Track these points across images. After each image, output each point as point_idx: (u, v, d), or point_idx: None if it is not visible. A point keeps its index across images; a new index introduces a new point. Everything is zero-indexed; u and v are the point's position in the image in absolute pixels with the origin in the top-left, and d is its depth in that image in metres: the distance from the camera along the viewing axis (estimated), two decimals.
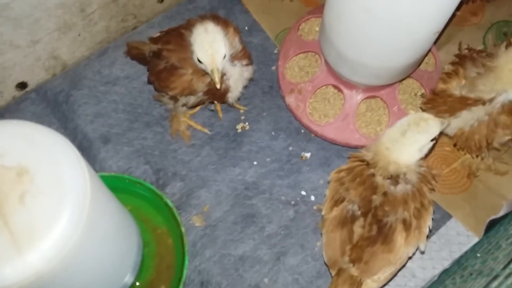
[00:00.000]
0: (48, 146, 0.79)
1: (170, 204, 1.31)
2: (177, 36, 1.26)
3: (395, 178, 1.09)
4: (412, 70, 1.36)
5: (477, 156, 1.36)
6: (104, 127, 1.46)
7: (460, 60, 1.26)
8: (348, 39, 1.22)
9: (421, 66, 1.47)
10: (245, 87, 1.36)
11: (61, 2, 1.36)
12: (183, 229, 1.29)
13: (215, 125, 1.49)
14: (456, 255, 1.32)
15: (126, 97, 1.50)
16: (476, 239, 1.33)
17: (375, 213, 1.09)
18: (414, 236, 1.09)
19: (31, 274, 0.71)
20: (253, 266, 1.32)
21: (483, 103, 1.16)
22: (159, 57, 1.28)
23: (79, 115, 1.47)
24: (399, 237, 1.07)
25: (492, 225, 1.33)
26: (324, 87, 1.48)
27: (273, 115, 1.51)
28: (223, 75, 1.22)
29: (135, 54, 1.42)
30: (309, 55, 1.53)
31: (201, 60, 1.15)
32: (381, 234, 1.07)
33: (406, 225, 1.08)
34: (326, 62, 1.41)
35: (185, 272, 1.24)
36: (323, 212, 1.17)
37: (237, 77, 1.28)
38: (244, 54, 1.28)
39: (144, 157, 1.43)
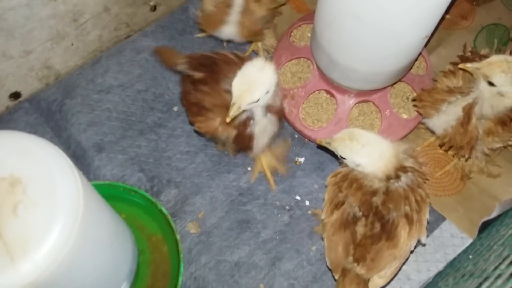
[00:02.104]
0: (41, 156, 0.80)
1: (165, 211, 1.31)
2: (214, 80, 1.20)
3: (394, 177, 1.09)
4: (403, 74, 1.37)
5: (463, 157, 1.36)
6: (98, 135, 1.46)
7: (461, 61, 1.26)
8: (338, 45, 1.23)
9: (412, 70, 1.48)
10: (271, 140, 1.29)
11: (54, 12, 1.37)
12: (178, 236, 1.29)
13: None
14: (451, 257, 1.33)
15: (119, 105, 1.51)
16: (470, 241, 1.34)
17: (376, 212, 1.09)
18: (415, 230, 1.09)
19: (24, 284, 0.71)
20: (249, 272, 1.32)
21: (462, 93, 1.20)
22: (194, 85, 1.24)
23: (73, 124, 1.47)
24: (403, 231, 1.08)
25: (485, 226, 1.34)
26: (316, 92, 1.49)
27: None
28: (250, 119, 1.16)
29: (165, 60, 1.36)
30: (302, 61, 1.54)
31: (232, 88, 1.06)
32: (385, 231, 1.08)
33: (409, 219, 1.08)
34: (318, 68, 1.42)
35: (180, 279, 1.24)
36: (322, 216, 1.17)
37: (262, 129, 1.21)
38: (280, 112, 1.22)
39: (138, 164, 1.43)
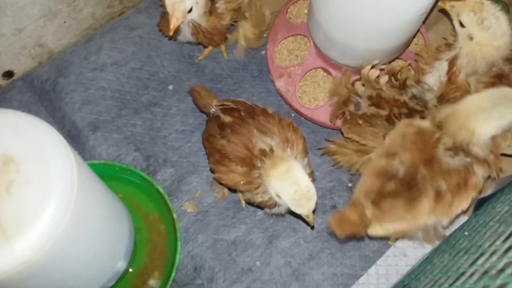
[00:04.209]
0: (34, 134, 0.79)
1: (161, 190, 1.31)
2: (245, 130, 1.13)
3: (458, 149, 1.05)
4: (401, 52, 1.35)
5: None
6: (92, 114, 1.45)
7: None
8: (335, 22, 1.21)
9: (410, 47, 1.47)
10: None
11: None
12: (175, 215, 1.29)
13: None
14: (446, 234, 1.33)
15: (113, 84, 1.49)
16: (465, 218, 1.34)
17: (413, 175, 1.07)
18: (441, 209, 1.06)
19: (20, 263, 0.71)
20: (246, 250, 1.33)
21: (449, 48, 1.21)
22: (221, 129, 1.17)
23: (67, 103, 1.45)
24: (426, 202, 1.05)
25: (481, 204, 1.34)
26: (313, 70, 1.47)
27: (263, 100, 1.51)
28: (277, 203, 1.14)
29: (199, 100, 1.30)
30: (298, 38, 1.52)
31: (297, 212, 1.07)
32: (409, 193, 1.06)
33: (438, 196, 1.05)
34: (315, 45, 1.40)
35: (178, 257, 1.25)
36: (372, 156, 1.17)
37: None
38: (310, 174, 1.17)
39: (133, 144, 1.42)
